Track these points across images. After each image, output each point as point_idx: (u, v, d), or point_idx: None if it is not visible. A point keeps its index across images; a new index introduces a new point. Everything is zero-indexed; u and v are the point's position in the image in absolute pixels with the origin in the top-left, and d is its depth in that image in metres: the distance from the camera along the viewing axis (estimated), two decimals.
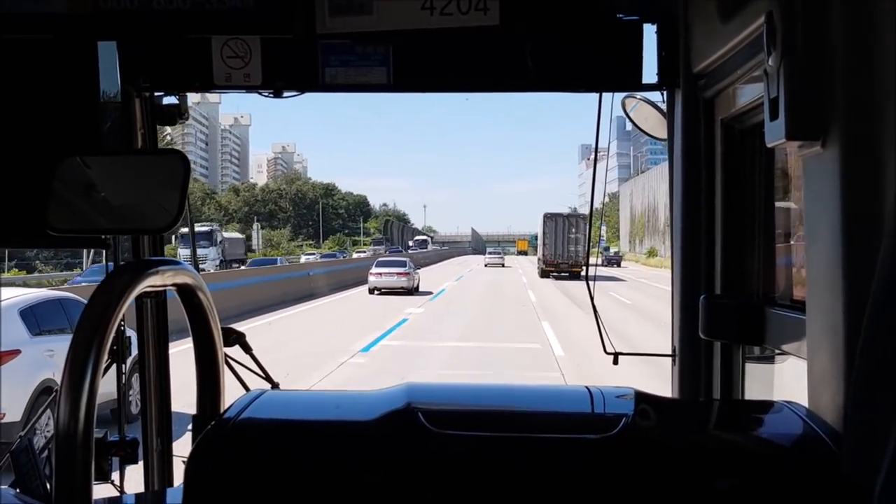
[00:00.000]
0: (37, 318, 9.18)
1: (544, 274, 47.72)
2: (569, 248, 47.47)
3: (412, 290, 33.94)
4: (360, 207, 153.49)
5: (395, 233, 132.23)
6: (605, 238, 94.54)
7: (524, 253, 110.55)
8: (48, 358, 8.80)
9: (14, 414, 8.35)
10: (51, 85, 2.30)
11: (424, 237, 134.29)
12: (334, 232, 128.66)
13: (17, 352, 8.64)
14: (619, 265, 72.76)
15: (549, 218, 49.61)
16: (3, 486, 1.70)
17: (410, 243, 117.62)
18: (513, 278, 49.50)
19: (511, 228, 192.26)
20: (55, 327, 9.39)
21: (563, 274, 45.70)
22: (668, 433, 1.47)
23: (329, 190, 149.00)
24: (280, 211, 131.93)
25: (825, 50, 1.42)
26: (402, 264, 35.41)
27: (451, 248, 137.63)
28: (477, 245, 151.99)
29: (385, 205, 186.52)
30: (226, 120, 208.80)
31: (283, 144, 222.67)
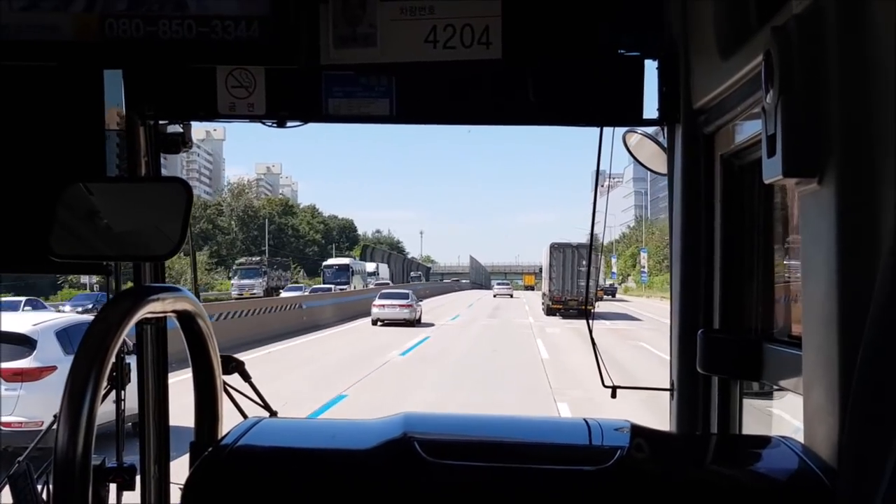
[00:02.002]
0: (70, 339, 10.93)
1: (550, 311, 46.68)
2: (578, 283, 45.90)
3: (414, 322, 36.66)
4: (345, 233, 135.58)
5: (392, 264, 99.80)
6: (646, 268, 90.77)
7: (531, 288, 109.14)
8: None
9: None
10: (56, 111, 2.50)
11: (346, 261, 77.46)
12: (306, 259, 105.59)
13: (53, 368, 10.51)
14: (613, 296, 76.88)
15: (557, 248, 48.37)
16: None
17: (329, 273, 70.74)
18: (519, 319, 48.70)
19: (519, 259, 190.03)
20: None
21: (570, 311, 44.73)
22: (662, 466, 1.62)
23: (289, 207, 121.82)
24: (220, 231, 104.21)
25: (822, 88, 1.55)
26: (405, 296, 38.47)
27: (440, 283, 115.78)
28: (478, 277, 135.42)
29: (378, 231, 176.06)
30: (196, 133, 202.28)
31: (268, 165, 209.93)
